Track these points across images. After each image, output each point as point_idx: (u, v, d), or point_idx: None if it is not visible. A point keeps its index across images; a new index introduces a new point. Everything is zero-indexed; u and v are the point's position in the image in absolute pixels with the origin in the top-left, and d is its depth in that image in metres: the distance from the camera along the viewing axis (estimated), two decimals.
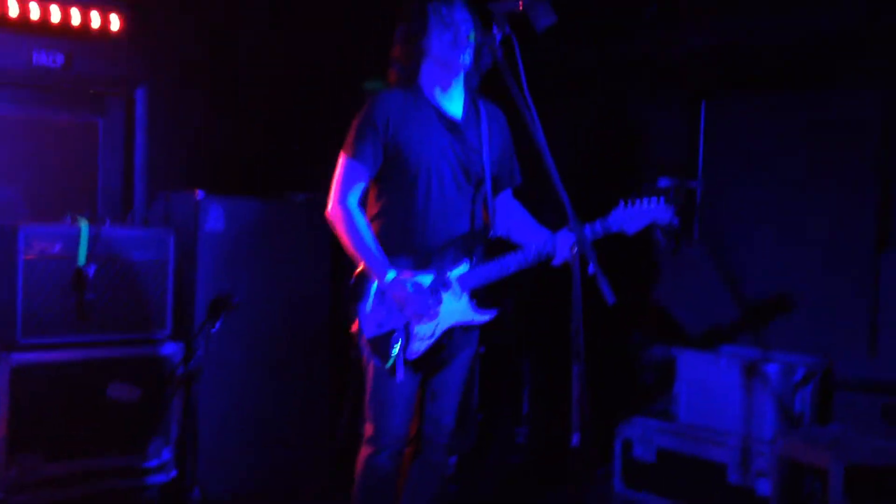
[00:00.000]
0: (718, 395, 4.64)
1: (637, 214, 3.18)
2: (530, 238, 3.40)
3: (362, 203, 3.37)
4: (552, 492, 4.95)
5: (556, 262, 3.26)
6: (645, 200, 3.18)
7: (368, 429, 3.39)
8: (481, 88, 3.51)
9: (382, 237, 3.32)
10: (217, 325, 4.02)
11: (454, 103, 3.43)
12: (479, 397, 5.24)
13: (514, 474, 5.29)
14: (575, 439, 2.93)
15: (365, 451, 3.39)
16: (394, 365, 3.25)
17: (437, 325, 3.31)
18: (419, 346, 3.29)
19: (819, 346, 4.75)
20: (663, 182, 5.10)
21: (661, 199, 3.18)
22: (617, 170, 5.53)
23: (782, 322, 4.88)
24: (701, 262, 5.23)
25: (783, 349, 4.81)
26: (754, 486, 4.39)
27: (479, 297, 3.39)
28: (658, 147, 5.45)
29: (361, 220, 3.32)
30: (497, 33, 3.12)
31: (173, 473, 4.36)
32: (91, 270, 4.17)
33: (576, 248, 2.97)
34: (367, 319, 3.30)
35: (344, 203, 3.32)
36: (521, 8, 4.93)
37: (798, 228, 4.90)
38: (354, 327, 3.32)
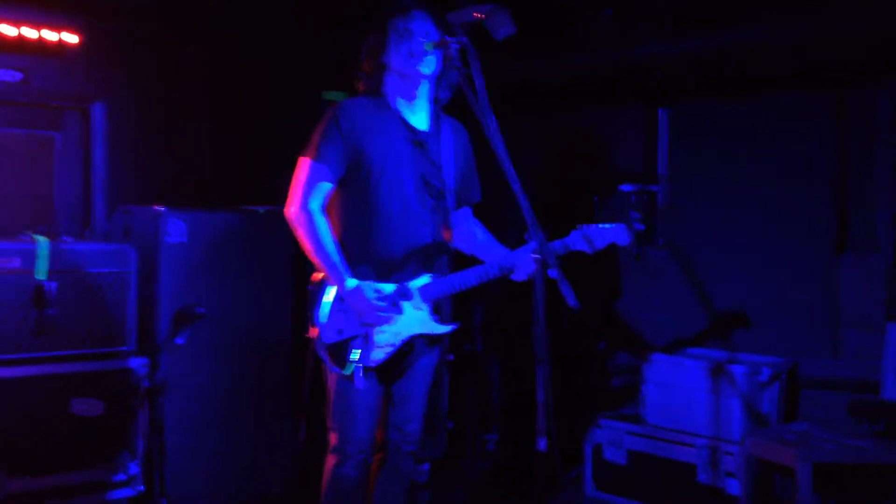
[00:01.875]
0: (686, 397, 4.66)
1: (596, 237, 3.24)
2: (490, 253, 3.45)
3: (324, 209, 3.35)
4: (523, 497, 4.94)
5: (518, 277, 3.30)
6: (605, 225, 3.24)
7: (332, 438, 3.36)
8: (448, 104, 3.51)
9: (344, 245, 3.31)
10: (184, 336, 3.99)
11: (418, 115, 3.43)
12: (448, 405, 5.24)
13: (485, 481, 5.29)
14: (541, 443, 2.93)
15: (331, 461, 3.37)
16: (353, 372, 3.24)
17: (397, 335, 3.30)
18: (379, 355, 3.28)
19: (784, 347, 4.80)
20: (625, 188, 5.13)
21: (622, 225, 3.25)
22: (578, 179, 5.56)
23: (748, 324, 4.93)
24: (665, 266, 5.27)
25: (749, 351, 4.85)
26: (724, 486, 4.42)
27: (440, 309, 3.40)
28: (619, 156, 5.50)
29: (324, 226, 3.29)
30: (452, 42, 3.14)
31: (141, 488, 4.31)
32: (52, 286, 4.12)
33: (537, 255, 2.99)
34: (326, 326, 3.28)
35: (306, 206, 3.29)
36: (479, 17, 4.99)
37: (760, 232, 4.96)
38: (314, 333, 3.30)
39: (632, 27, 4.90)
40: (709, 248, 5.12)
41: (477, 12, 4.99)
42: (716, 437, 4.51)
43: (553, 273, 2.91)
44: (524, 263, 3.24)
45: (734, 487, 4.35)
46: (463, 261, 3.51)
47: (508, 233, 3.64)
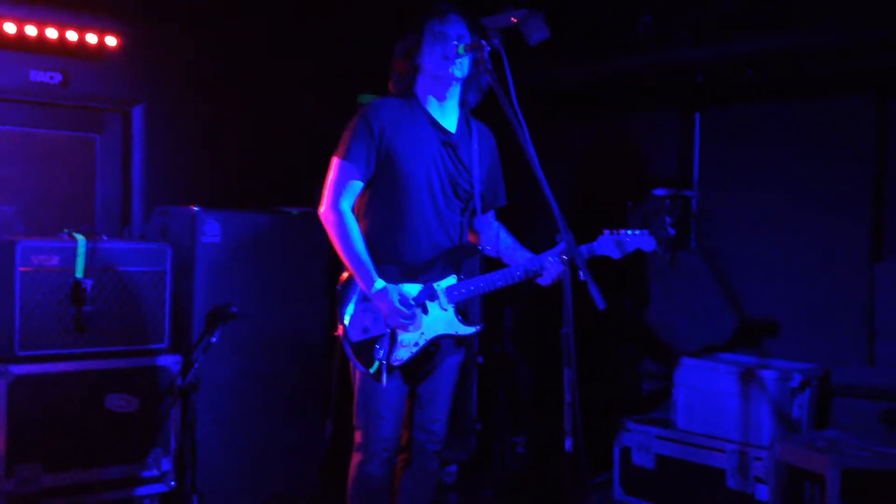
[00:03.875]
0: (716, 401, 4.65)
1: (621, 243, 3.30)
2: (516, 256, 3.49)
3: (354, 207, 3.39)
4: (552, 500, 4.95)
5: (543, 281, 3.33)
6: (630, 231, 3.29)
7: (358, 436, 3.40)
8: (478, 108, 3.55)
9: (371, 244, 3.34)
10: (216, 335, 4.06)
11: (449, 117, 3.47)
12: (477, 407, 5.25)
13: (513, 483, 5.30)
14: (568, 444, 2.95)
15: (356, 459, 3.40)
16: (378, 370, 3.27)
17: (422, 335, 3.33)
18: (404, 354, 3.31)
19: (817, 354, 4.76)
20: (659, 192, 5.13)
21: (647, 231, 3.30)
22: (612, 183, 5.56)
23: (780, 330, 4.90)
24: (698, 271, 5.25)
25: (781, 357, 4.83)
26: (753, 492, 4.39)
27: (466, 310, 3.43)
28: (654, 160, 5.49)
29: (354, 226, 3.34)
30: (486, 45, 3.18)
31: (172, 484, 4.38)
32: (89, 283, 4.20)
33: (566, 255, 3.03)
34: (352, 324, 3.32)
35: (337, 206, 3.34)
36: (514, 22, 5.03)
37: (794, 238, 4.93)
38: (340, 331, 3.34)
39: (672, 32, 4.90)
40: (742, 253, 5.10)
41: (512, 16, 5.06)
42: (745, 442, 4.49)
43: (582, 275, 2.93)
44: (551, 266, 3.27)
45: (763, 493, 4.33)
46: (489, 263, 3.54)
47: (538, 236, 3.66)
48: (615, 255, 3.32)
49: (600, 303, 2.90)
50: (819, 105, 4.84)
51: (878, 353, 4.67)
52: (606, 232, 3.32)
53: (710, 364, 4.74)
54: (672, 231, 5.15)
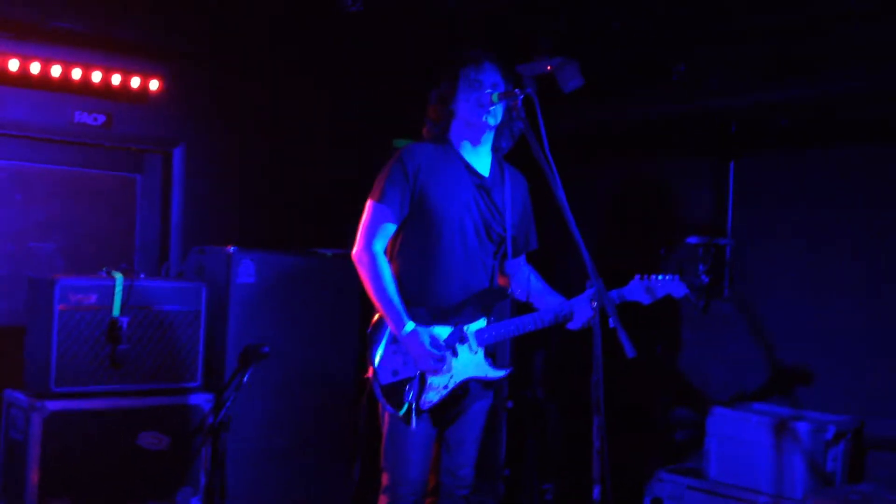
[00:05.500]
0: (749, 452, 4.59)
1: (652, 288, 3.31)
2: (546, 300, 3.50)
3: (386, 250, 3.42)
4: None
5: (574, 326, 3.34)
6: (661, 277, 3.30)
7: (384, 478, 3.40)
8: (511, 151, 3.59)
9: (403, 286, 3.37)
10: (247, 374, 4.09)
11: (482, 161, 3.51)
12: (506, 452, 5.23)
13: None
14: (596, 492, 2.94)
15: (382, 501, 3.40)
16: (408, 412, 3.28)
17: (451, 378, 3.34)
18: (433, 397, 3.33)
19: (851, 405, 4.70)
20: (692, 240, 5.12)
21: (678, 277, 3.30)
22: (645, 230, 5.56)
23: (814, 380, 4.84)
24: (732, 319, 5.21)
25: (815, 408, 4.77)
26: None
27: (495, 354, 3.43)
28: (686, 206, 5.48)
29: (386, 269, 3.36)
30: (519, 93, 3.23)
31: None
32: (125, 321, 4.27)
33: (595, 303, 3.03)
34: (382, 366, 3.34)
35: (370, 248, 3.37)
36: (549, 70, 5.09)
37: (829, 285, 4.88)
38: (370, 373, 3.37)
39: (705, 81, 4.92)
40: (777, 302, 5.06)
41: (548, 65, 5.12)
42: (778, 494, 4.42)
43: (612, 322, 2.94)
44: (581, 311, 3.28)
45: None
46: (520, 307, 3.54)
47: (570, 280, 3.67)
48: (645, 300, 3.33)
49: (630, 351, 2.90)
50: (854, 152, 4.82)
51: None
52: (637, 277, 3.33)
53: (743, 414, 4.69)
54: (705, 279, 5.13)
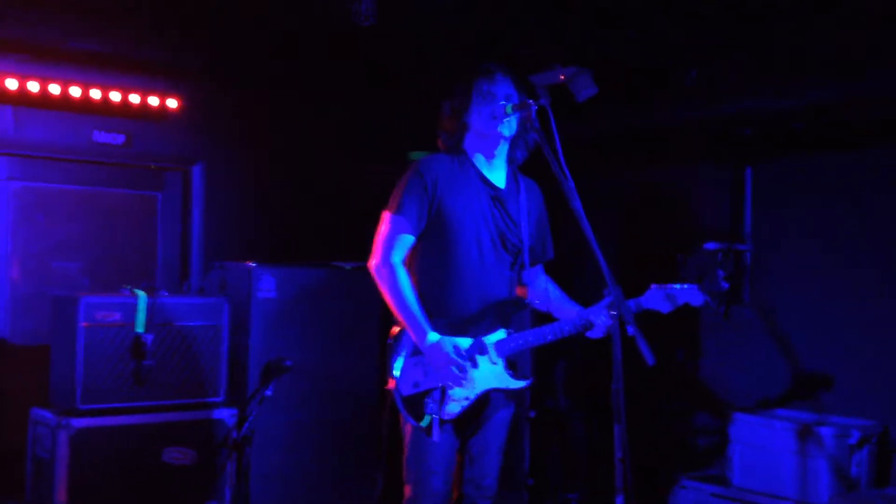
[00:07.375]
0: (773, 458, 4.57)
1: (670, 297, 3.28)
2: (564, 310, 3.50)
3: (405, 261, 3.43)
4: None
5: (594, 334, 3.33)
6: (679, 285, 3.27)
7: (407, 490, 3.40)
8: (527, 163, 3.60)
9: (422, 297, 3.37)
10: (270, 388, 4.11)
11: (497, 173, 3.52)
12: (529, 462, 5.23)
13: None
14: (619, 501, 2.94)
15: None
16: (430, 424, 3.29)
17: (472, 388, 3.34)
18: (455, 408, 3.33)
19: (875, 409, 4.67)
20: (711, 246, 5.11)
21: (695, 285, 3.28)
22: (663, 236, 5.56)
23: (837, 385, 4.82)
24: (752, 324, 5.20)
25: (838, 413, 4.74)
26: None
27: (516, 364, 3.44)
28: (703, 212, 5.48)
29: (405, 280, 3.37)
30: (533, 104, 3.24)
31: None
32: (149, 338, 4.31)
33: (614, 311, 3.03)
34: (403, 378, 3.36)
35: (388, 260, 3.38)
36: (563, 79, 5.10)
37: (850, 289, 4.86)
38: (391, 385, 3.37)
39: (717, 85, 4.92)
40: (797, 307, 5.04)
41: (561, 74, 5.13)
42: (803, 500, 4.40)
43: (631, 330, 2.94)
44: (600, 320, 3.28)
45: None
46: (539, 317, 3.55)
47: (587, 289, 3.68)
48: (664, 309, 3.31)
49: (649, 359, 2.89)
50: (872, 154, 4.80)
51: None
52: (654, 286, 3.31)
53: (766, 420, 4.67)
54: (725, 285, 5.12)
